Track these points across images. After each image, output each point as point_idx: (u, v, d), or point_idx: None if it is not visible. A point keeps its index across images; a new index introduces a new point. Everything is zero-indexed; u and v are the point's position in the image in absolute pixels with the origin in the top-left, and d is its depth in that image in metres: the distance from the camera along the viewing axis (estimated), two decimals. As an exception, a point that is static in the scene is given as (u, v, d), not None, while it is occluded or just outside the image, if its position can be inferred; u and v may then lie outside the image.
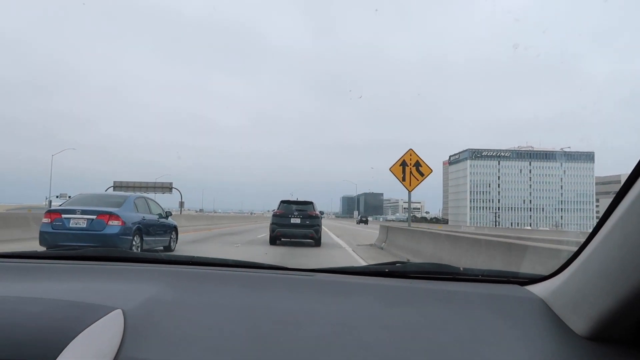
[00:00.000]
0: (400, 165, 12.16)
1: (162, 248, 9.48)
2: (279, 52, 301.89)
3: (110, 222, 7.59)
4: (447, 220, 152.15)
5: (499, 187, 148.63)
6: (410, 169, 12.13)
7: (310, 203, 13.00)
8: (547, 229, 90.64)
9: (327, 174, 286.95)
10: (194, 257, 1.23)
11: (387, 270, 1.14)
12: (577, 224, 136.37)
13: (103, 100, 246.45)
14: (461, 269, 1.14)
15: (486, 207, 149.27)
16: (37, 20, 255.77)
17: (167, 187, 48.65)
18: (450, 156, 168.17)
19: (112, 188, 44.32)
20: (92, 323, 0.70)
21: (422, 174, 12.24)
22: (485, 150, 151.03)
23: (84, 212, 7.60)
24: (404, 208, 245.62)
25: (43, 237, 7.59)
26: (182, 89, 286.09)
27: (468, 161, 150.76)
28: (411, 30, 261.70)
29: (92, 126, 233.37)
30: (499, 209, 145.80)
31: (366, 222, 68.79)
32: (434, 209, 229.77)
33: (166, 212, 9.83)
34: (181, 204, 47.23)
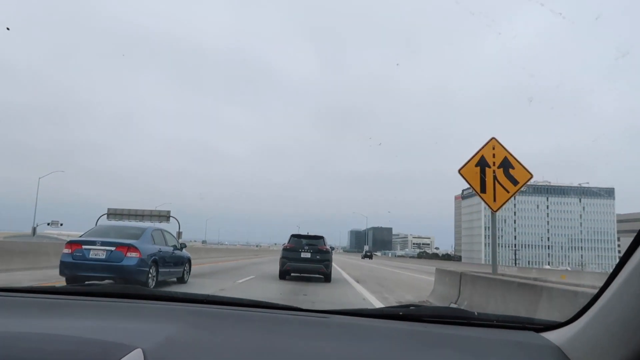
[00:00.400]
0: (476, 166, 7.51)
1: (175, 280, 9.76)
2: (288, 84, 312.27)
3: (128, 254, 7.96)
4: (460, 257, 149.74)
5: (515, 223, 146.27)
6: (495, 171, 7.46)
7: (321, 237, 13.17)
8: (569, 268, 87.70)
9: (335, 206, 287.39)
10: (209, 295, 1.28)
11: (401, 313, 1.17)
12: (597, 264, 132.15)
13: (114, 129, 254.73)
14: (476, 313, 1.17)
15: (501, 244, 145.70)
16: (52, 50, 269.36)
17: (164, 216, 46.81)
18: (463, 190, 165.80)
19: (105, 216, 44.05)
20: None
21: (515, 182, 7.52)
22: None
23: (103, 243, 8.00)
24: (413, 243, 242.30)
25: (63, 267, 7.96)
26: (192, 119, 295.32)
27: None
28: (422, 69, 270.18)
29: (103, 153, 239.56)
30: (515, 246, 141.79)
31: (371, 256, 68.09)
32: (445, 244, 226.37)
33: (181, 244, 10.19)
34: (179, 234, 44.68)
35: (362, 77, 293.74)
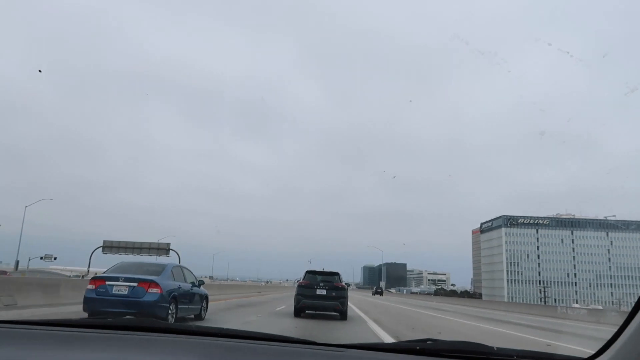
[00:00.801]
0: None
1: (192, 316, 10.01)
2: (300, 120, 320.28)
3: (150, 290, 8.30)
4: (480, 294, 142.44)
5: (538, 258, 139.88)
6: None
7: (337, 274, 13.20)
8: (601, 307, 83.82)
9: (348, 242, 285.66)
10: (223, 329, 1.33)
11: (418, 347, 1.18)
12: (629, 302, 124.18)
13: (123, 166, 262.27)
14: (495, 348, 1.17)
15: (525, 281, 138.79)
16: (61, 86, 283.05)
17: (163, 249, 45.48)
18: (481, 224, 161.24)
19: (101, 249, 44.00)
20: None
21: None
22: (521, 217, 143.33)
23: (126, 279, 8.37)
24: (429, 280, 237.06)
25: (87, 303, 8.32)
26: (203, 156, 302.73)
27: (503, 229, 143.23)
28: (434, 105, 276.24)
29: (111, 190, 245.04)
30: (540, 283, 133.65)
31: (381, 293, 70.67)
32: (461, 281, 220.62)
33: (199, 281, 10.51)
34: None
35: (374, 114, 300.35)
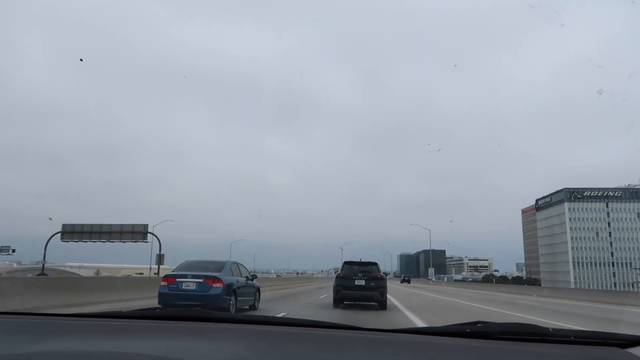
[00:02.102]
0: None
1: (247, 307, 11.90)
2: (331, 109, 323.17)
3: (214, 285, 10.20)
4: (536, 280, 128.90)
5: (610, 236, 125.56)
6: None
7: (375, 264, 13.91)
8: None
9: (382, 232, 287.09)
10: (270, 317, 1.45)
11: (468, 330, 1.22)
12: None
13: (160, 164, 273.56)
14: (550, 329, 1.19)
15: (594, 263, 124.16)
16: (93, 88, 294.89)
17: (139, 232, 37.37)
18: (537, 200, 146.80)
19: (60, 234, 37.81)
20: None
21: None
22: (587, 189, 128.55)
23: (193, 276, 10.30)
24: (470, 266, 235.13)
25: (161, 297, 10.31)
26: (234, 150, 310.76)
27: (565, 204, 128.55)
28: (472, 81, 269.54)
29: (149, 187, 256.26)
30: (613, 265, 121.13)
31: (409, 281, 75.81)
32: (505, 266, 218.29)
33: (252, 275, 12.39)
34: (159, 257, 35.83)
35: (406, 97, 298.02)
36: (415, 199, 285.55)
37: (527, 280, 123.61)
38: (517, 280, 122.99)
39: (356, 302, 13.54)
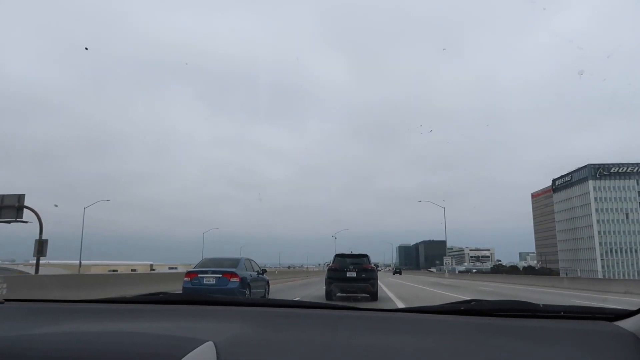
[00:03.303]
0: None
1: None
2: (325, 100, 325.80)
3: (232, 279, 12.13)
4: (550, 269, 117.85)
5: None
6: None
7: (365, 256, 14.72)
8: None
9: (380, 224, 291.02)
10: (272, 299, 1.66)
11: (462, 308, 1.32)
12: None
13: (150, 157, 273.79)
14: (541, 305, 1.29)
15: (626, 249, 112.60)
16: (78, 81, 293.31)
17: (10, 207, 23.96)
18: (554, 180, 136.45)
19: None
20: (189, 352, 0.92)
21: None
22: (614, 165, 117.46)
23: (213, 272, 12.23)
24: (471, 257, 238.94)
25: (185, 291, 12.22)
26: (227, 142, 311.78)
27: (590, 182, 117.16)
28: (463, 68, 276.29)
29: (140, 183, 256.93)
30: None
31: (400, 272, 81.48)
32: (507, 256, 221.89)
33: (262, 269, 14.36)
34: (40, 244, 23.82)
35: (401, 86, 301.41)
36: (411, 190, 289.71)
37: (541, 270, 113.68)
38: (529, 271, 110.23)
39: (348, 295, 14.28)
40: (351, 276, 13.93)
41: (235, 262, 12.91)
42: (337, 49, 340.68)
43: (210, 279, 12.18)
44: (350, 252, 15.37)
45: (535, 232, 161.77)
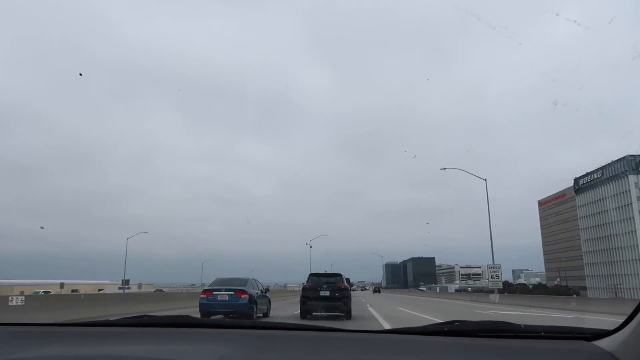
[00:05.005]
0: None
1: (262, 315, 16.87)
2: (309, 115, 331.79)
3: (242, 296, 15.12)
4: (568, 288, 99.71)
5: None
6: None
7: (339, 275, 15.99)
8: None
9: (365, 241, 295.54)
10: (255, 321, 1.77)
11: (446, 329, 1.40)
12: None
13: (129, 173, 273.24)
14: (522, 326, 1.37)
15: None
16: (54, 92, 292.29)
17: None
18: (576, 179, 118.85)
19: None
20: None
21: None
22: None
23: (226, 290, 15.21)
24: (462, 275, 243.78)
25: (202, 306, 15.10)
26: (209, 157, 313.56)
27: (631, 178, 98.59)
28: (449, 84, 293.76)
29: (120, 200, 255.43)
30: None
31: (379, 291, 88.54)
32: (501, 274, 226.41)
33: (265, 288, 17.38)
34: None
35: (387, 100, 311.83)
36: (397, 206, 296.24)
37: (556, 289, 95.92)
38: (540, 289, 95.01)
39: (322, 313, 15.42)
40: (325, 295, 14.99)
41: (244, 282, 15.92)
42: (323, 59, 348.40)
43: (223, 296, 15.17)
44: (324, 272, 16.73)
45: (544, 244, 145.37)
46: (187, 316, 1.73)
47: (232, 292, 15.16)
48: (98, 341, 1.49)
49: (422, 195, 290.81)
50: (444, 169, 38.49)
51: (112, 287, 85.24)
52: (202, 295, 15.41)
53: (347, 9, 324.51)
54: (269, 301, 17.60)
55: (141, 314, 1.81)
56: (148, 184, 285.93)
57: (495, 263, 38.71)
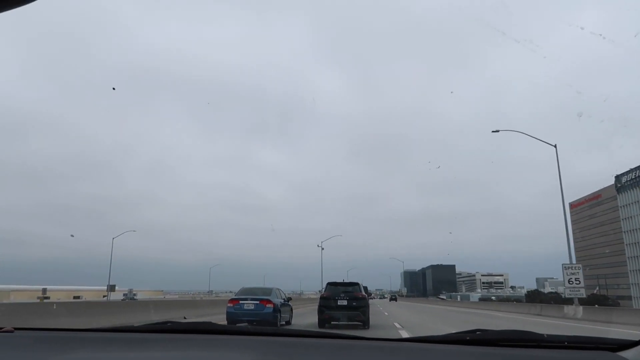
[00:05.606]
0: None
1: (284, 322, 18.03)
2: (324, 119, 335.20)
3: (267, 305, 16.29)
4: (607, 297, 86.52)
5: None
6: None
7: (357, 284, 16.36)
8: None
9: (382, 248, 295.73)
10: (278, 328, 2.05)
11: (468, 338, 1.40)
12: None
13: (146, 180, 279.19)
14: (545, 335, 1.37)
15: None
16: (68, 98, 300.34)
17: None
18: (618, 176, 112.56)
19: None
20: None
21: None
22: None
23: (252, 299, 16.40)
24: (483, 283, 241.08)
25: (229, 315, 16.31)
26: (222, 163, 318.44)
27: None
28: (471, 94, 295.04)
29: (138, 207, 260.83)
30: None
31: (396, 299, 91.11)
32: (522, 282, 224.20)
33: (287, 297, 18.57)
34: None
35: (405, 109, 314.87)
36: (414, 212, 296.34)
37: (594, 299, 76.26)
38: (560, 299, 76.43)
39: (340, 322, 15.71)
40: (342, 304, 15.29)
41: (268, 291, 17.12)
42: (337, 64, 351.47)
43: (249, 305, 16.38)
44: (342, 280, 17.16)
45: (577, 250, 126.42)
46: (211, 323, 1.79)
47: (258, 302, 16.34)
48: (122, 347, 1.54)
49: (440, 201, 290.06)
50: (497, 131, 31.34)
51: (117, 293, 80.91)
52: (229, 304, 16.64)
53: (365, 12, 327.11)
54: (291, 310, 18.76)
55: (165, 320, 1.86)
56: (161, 189, 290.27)
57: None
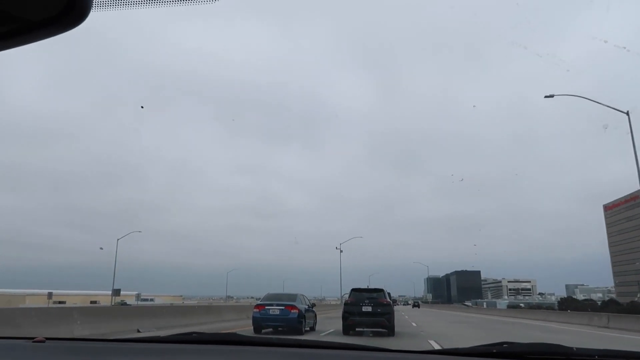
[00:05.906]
0: None
1: (308, 328, 18.49)
2: (345, 124, 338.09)
3: (292, 311, 16.78)
4: None
5: None
6: None
7: (381, 290, 16.28)
8: None
9: (405, 253, 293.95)
10: (302, 340, 1.76)
11: (495, 350, 1.39)
12: None
13: (168, 185, 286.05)
14: (574, 348, 1.34)
15: None
16: (93, 105, 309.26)
17: None
18: None
19: None
20: None
21: None
22: None
23: (277, 304, 16.92)
24: (510, 289, 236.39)
25: (255, 320, 16.86)
26: (243, 169, 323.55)
27: None
28: (495, 106, 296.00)
29: (161, 212, 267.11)
30: None
31: (418, 306, 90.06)
32: (551, 288, 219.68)
33: (312, 303, 19.05)
34: None
35: (428, 112, 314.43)
36: (438, 218, 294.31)
37: (632, 306, 59.92)
38: (614, 307, 64.23)
39: (365, 329, 15.66)
40: (367, 310, 15.21)
41: (293, 297, 17.63)
42: (359, 70, 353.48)
43: (275, 310, 16.91)
44: (366, 287, 17.15)
45: (612, 254, 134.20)
46: (236, 334, 1.81)
47: (283, 307, 16.84)
48: (147, 357, 1.56)
49: (463, 206, 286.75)
50: (551, 96, 25.90)
51: (130, 298, 79.98)
52: (255, 310, 17.21)
53: (387, 20, 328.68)
54: (315, 315, 19.21)
55: (190, 331, 1.86)
56: (183, 195, 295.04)
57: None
